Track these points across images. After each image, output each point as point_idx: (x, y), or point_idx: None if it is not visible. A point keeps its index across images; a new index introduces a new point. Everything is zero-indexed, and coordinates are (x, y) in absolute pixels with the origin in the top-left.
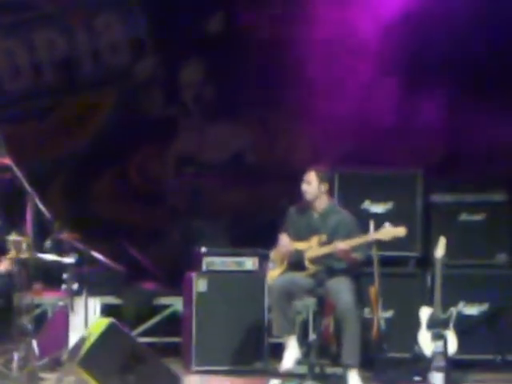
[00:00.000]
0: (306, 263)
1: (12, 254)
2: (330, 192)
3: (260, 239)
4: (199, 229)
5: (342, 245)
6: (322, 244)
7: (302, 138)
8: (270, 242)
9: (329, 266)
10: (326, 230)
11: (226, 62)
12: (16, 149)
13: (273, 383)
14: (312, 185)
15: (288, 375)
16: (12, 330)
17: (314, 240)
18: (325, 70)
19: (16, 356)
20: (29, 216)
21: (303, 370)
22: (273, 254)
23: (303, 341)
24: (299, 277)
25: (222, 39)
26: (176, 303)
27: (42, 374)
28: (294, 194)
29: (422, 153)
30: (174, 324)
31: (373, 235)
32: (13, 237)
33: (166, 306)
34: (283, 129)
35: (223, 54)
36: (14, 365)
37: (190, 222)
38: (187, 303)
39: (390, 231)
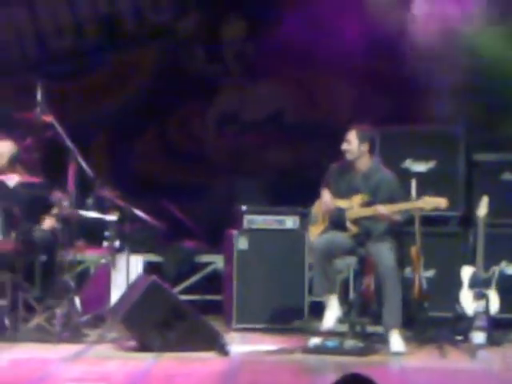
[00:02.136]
0: (348, 224)
1: (55, 211)
2: (372, 151)
3: (301, 198)
4: (240, 187)
5: (383, 209)
6: (363, 204)
7: (342, 96)
8: (311, 200)
9: (370, 228)
10: (367, 190)
11: (268, 20)
12: (58, 106)
13: (313, 342)
14: (352, 144)
15: (328, 334)
16: (55, 286)
17: (356, 199)
18: (365, 29)
19: (59, 312)
20: (71, 173)
21: (344, 328)
22: (314, 209)
23: (344, 299)
24: (341, 236)
25: None
26: (217, 261)
27: (85, 331)
28: (335, 153)
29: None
30: (215, 282)
31: (414, 203)
32: (55, 194)
33: (206, 264)
34: (323, 87)
35: (265, 12)
36: (57, 321)
37: (231, 180)
38: (228, 261)
39: (432, 201)
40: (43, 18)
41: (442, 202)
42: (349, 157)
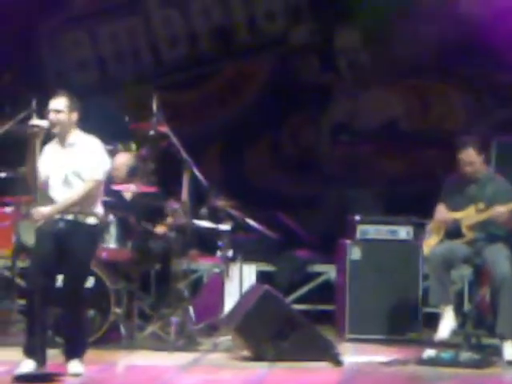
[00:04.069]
0: (464, 230)
1: (169, 220)
2: (487, 160)
3: (415, 207)
4: (353, 197)
5: (501, 208)
6: (479, 212)
7: (456, 104)
8: (425, 210)
9: (487, 233)
10: (483, 199)
11: (381, 29)
12: (173, 117)
13: (428, 353)
14: (476, 165)
15: (443, 345)
16: (169, 295)
17: (472, 209)
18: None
19: (173, 321)
20: (185, 183)
21: (459, 340)
22: (430, 225)
23: (459, 311)
24: (457, 245)
25: (378, 6)
26: (329, 271)
27: (199, 339)
28: (450, 162)
29: None
30: (327, 292)
31: None
32: (170, 204)
33: (319, 274)
34: (437, 95)
35: (378, 21)
36: (172, 329)
37: (344, 190)
38: (340, 271)
39: None
40: (158, 30)
41: None
42: (471, 175)
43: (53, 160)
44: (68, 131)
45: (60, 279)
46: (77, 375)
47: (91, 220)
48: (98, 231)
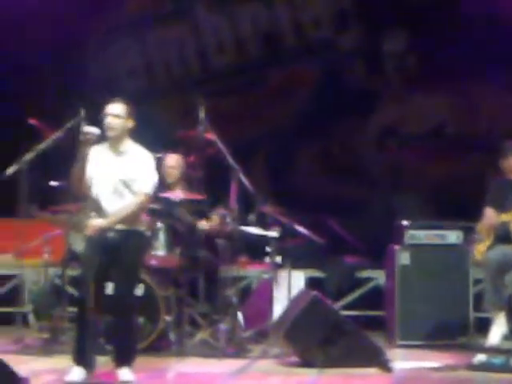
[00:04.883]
0: None
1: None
2: None
3: (464, 212)
4: (401, 202)
5: None
6: None
7: (504, 109)
8: (474, 214)
9: None
10: None
11: (430, 32)
12: (220, 124)
13: (478, 358)
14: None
15: (495, 351)
16: (218, 302)
17: None
18: None
19: (223, 328)
20: (233, 190)
21: (510, 345)
22: (478, 228)
23: (511, 316)
24: (509, 250)
25: (425, 7)
26: (378, 276)
27: (248, 346)
28: (497, 166)
29: None
30: (377, 297)
31: None
32: (219, 211)
33: (368, 279)
34: (485, 100)
35: (426, 23)
36: (221, 336)
37: (391, 195)
38: (390, 276)
39: None
40: (206, 36)
41: None
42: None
43: (103, 167)
44: (121, 138)
45: (110, 287)
46: (128, 382)
47: (139, 228)
48: (145, 239)
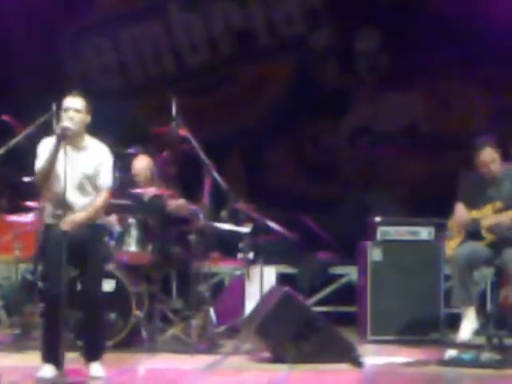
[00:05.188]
0: (483, 232)
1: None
2: (505, 157)
3: (435, 209)
4: (373, 199)
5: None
6: (497, 211)
7: (477, 107)
8: (446, 212)
9: (506, 234)
10: (500, 197)
11: (401, 30)
12: (194, 121)
13: (449, 354)
14: (497, 163)
15: (465, 346)
16: (190, 297)
17: (489, 208)
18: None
19: (194, 323)
20: (206, 187)
21: (481, 341)
22: (449, 225)
23: (481, 312)
24: (479, 246)
25: (397, 7)
26: (351, 272)
27: (220, 342)
28: (471, 163)
29: None
30: (349, 293)
31: None
32: (191, 207)
33: (340, 276)
34: (458, 98)
35: (398, 22)
36: (193, 332)
37: (364, 192)
38: (362, 272)
39: None
40: (179, 34)
41: None
42: (488, 175)
43: (64, 162)
44: (81, 133)
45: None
46: (98, 378)
47: (99, 221)
48: (106, 232)
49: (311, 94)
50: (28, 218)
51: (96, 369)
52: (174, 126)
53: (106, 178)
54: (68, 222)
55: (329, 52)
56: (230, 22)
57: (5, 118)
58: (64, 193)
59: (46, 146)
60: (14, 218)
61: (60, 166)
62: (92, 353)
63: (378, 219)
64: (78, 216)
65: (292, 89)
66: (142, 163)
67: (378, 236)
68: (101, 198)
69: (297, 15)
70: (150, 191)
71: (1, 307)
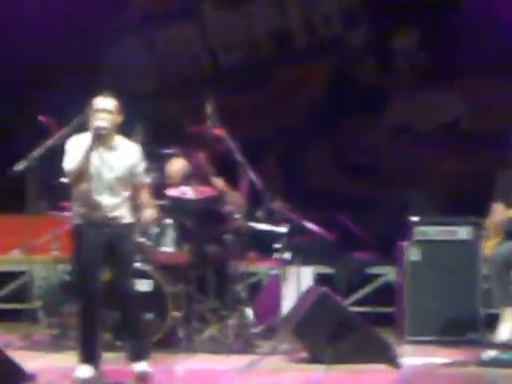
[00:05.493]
0: None
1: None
2: None
3: (475, 208)
4: (413, 198)
5: None
6: None
7: None
8: (485, 211)
9: None
10: None
11: (440, 29)
12: (230, 121)
13: (488, 354)
14: None
15: (504, 346)
16: (227, 298)
17: None
18: None
19: (231, 324)
20: (243, 187)
21: None
22: (487, 224)
23: None
24: None
25: (436, 5)
26: (388, 272)
27: (257, 342)
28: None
29: None
30: (387, 294)
31: None
32: (228, 207)
33: (378, 276)
34: (498, 96)
35: (437, 20)
36: (230, 332)
37: (403, 191)
38: (400, 272)
39: None
40: (216, 34)
41: None
42: None
43: (95, 162)
44: (112, 134)
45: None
46: (145, 374)
47: (131, 220)
48: (133, 229)
49: (349, 93)
50: (67, 218)
51: (143, 365)
52: (209, 125)
53: (142, 175)
54: (149, 218)
55: (367, 51)
56: (268, 21)
57: (41, 118)
58: (93, 192)
59: (74, 144)
60: (54, 214)
61: (91, 166)
62: (136, 352)
63: (416, 219)
64: (152, 212)
65: (330, 88)
66: (176, 165)
67: (416, 236)
68: (148, 194)
69: (334, 14)
70: (187, 192)
71: (39, 308)
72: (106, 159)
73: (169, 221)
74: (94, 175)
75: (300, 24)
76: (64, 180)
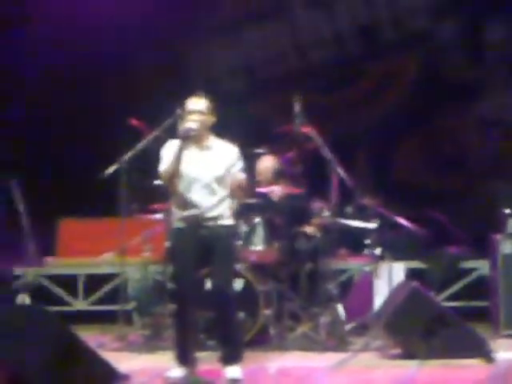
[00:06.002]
0: None
1: (316, 220)
2: None
3: None
4: (504, 191)
5: None
6: None
7: None
8: None
9: None
10: None
11: None
12: (319, 118)
13: None
14: None
15: None
16: (319, 295)
17: None
18: None
19: (323, 321)
20: (334, 184)
21: None
22: None
23: None
24: None
25: None
26: (482, 266)
27: (350, 339)
28: None
29: None
30: (481, 287)
31: None
32: (316, 204)
33: (471, 270)
34: None
35: None
36: (322, 329)
37: (494, 184)
38: (493, 266)
39: None
40: (304, 32)
41: None
42: None
43: (190, 163)
44: (205, 134)
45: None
46: (236, 381)
47: (231, 221)
48: (235, 231)
49: (439, 87)
50: (158, 220)
51: (234, 370)
52: (297, 124)
53: (237, 174)
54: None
55: (456, 44)
56: (354, 17)
57: (132, 121)
58: (190, 193)
59: (169, 149)
60: (146, 216)
61: (185, 167)
62: (230, 355)
63: (508, 211)
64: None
65: (419, 83)
66: (265, 163)
67: (509, 228)
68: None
69: (422, 7)
70: (276, 190)
71: (133, 309)
72: (201, 159)
73: (258, 219)
74: (190, 175)
75: (387, 18)
76: (157, 182)
